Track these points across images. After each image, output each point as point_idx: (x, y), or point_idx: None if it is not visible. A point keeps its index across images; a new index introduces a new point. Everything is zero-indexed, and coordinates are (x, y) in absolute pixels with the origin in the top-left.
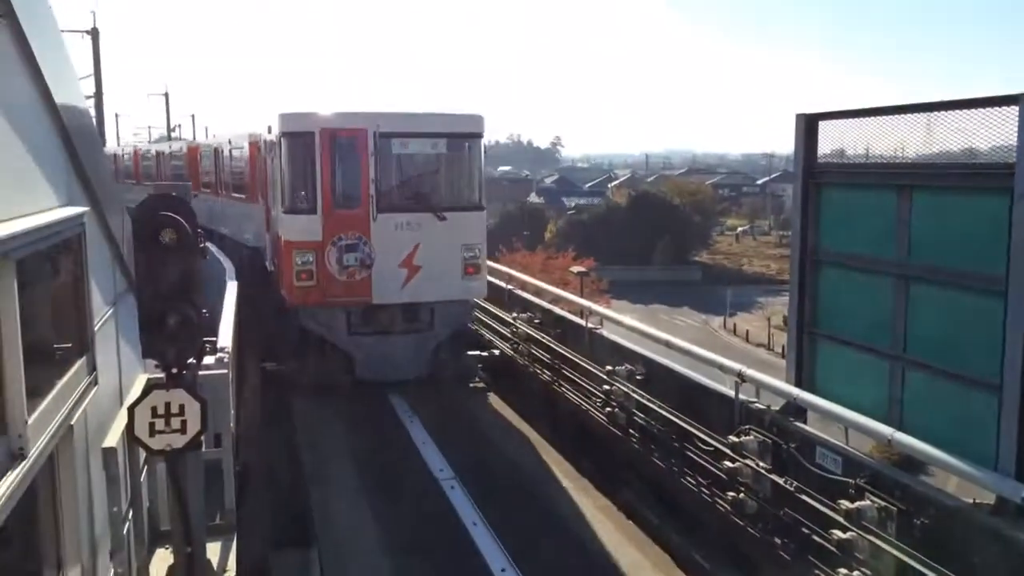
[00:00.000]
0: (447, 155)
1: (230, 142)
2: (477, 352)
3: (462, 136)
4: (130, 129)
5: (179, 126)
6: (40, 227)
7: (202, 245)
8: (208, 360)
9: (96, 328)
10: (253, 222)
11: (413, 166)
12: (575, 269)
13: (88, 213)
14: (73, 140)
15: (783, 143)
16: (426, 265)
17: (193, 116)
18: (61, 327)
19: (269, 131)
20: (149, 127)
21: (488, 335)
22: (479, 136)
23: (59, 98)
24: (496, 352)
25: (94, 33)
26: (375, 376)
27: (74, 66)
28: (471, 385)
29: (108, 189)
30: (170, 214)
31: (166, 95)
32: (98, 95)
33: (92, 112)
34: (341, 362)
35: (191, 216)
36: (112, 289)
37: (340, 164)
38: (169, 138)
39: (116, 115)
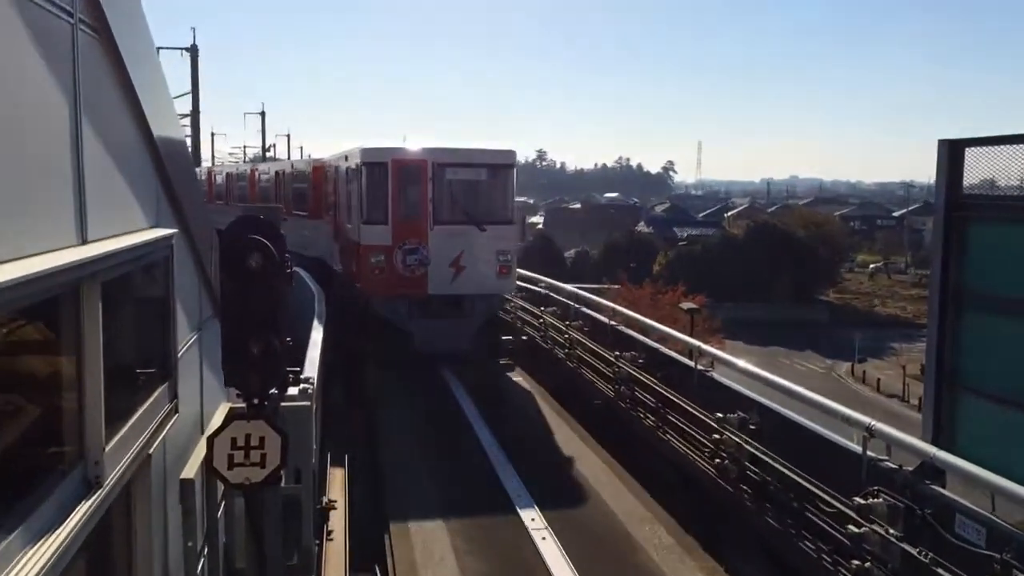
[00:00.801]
0: (487, 181)
1: (293, 166)
2: (509, 337)
3: (499, 166)
4: (227, 148)
5: (274, 145)
6: (127, 248)
7: (290, 271)
8: (291, 391)
9: (180, 354)
10: (314, 234)
11: (461, 189)
12: (685, 306)
13: (177, 235)
14: (164, 158)
15: (923, 171)
16: (469, 266)
17: (288, 136)
18: (144, 351)
19: (346, 159)
20: (244, 146)
21: (588, 374)
22: (512, 166)
23: (151, 116)
24: (524, 338)
25: (193, 50)
26: (429, 350)
27: (167, 83)
28: (501, 362)
29: (198, 211)
30: (258, 238)
31: (262, 114)
32: (195, 113)
33: (187, 130)
34: (403, 339)
35: (280, 240)
36: (198, 314)
37: (406, 187)
38: (264, 158)
39: (212, 133)
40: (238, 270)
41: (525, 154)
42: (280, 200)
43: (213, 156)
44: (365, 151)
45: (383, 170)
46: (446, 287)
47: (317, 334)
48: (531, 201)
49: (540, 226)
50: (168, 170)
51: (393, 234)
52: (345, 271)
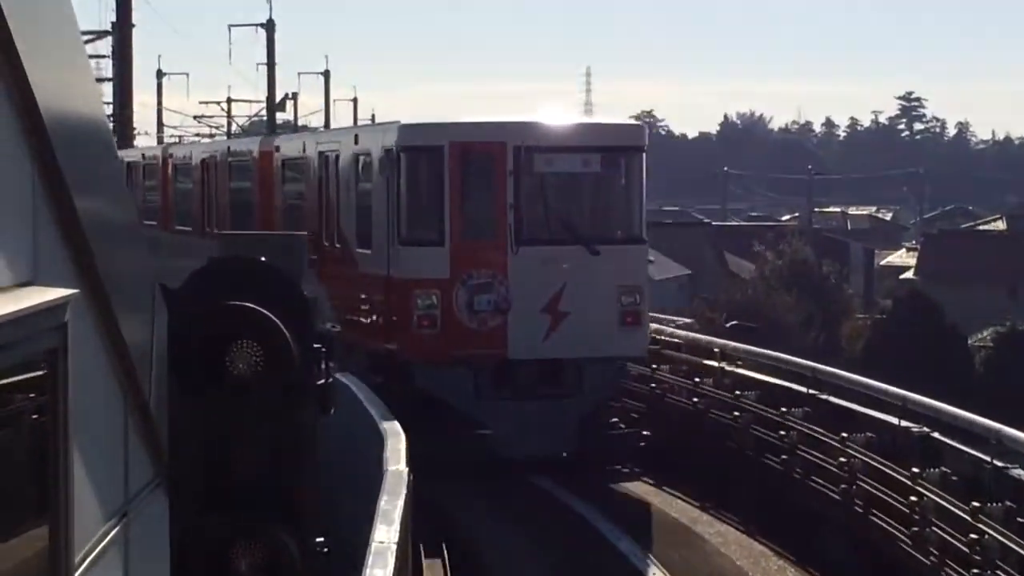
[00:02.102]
0: (601, 175)
1: (230, 150)
2: (632, 430)
3: (620, 150)
4: (190, 104)
5: (289, 96)
6: None
7: (324, 380)
8: None
9: (80, 570)
10: None
11: (560, 188)
12: None
13: (76, 300)
14: (53, 142)
15: None
16: (575, 311)
17: (355, 100)
18: (6, 559)
19: (356, 141)
20: (228, 100)
21: None
22: (640, 150)
23: (26, 57)
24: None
25: None
26: (510, 452)
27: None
28: (622, 470)
29: (125, 251)
30: (255, 309)
31: (268, 25)
32: (123, 29)
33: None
34: (466, 434)
35: (304, 315)
36: (121, 481)
37: (472, 186)
38: (272, 125)
39: (159, 73)
40: (210, 383)
41: (870, 105)
42: (212, 214)
43: (160, 123)
44: (404, 129)
45: (435, 158)
46: (537, 347)
47: (387, 526)
48: (885, 215)
49: (910, 273)
50: (62, 167)
51: (452, 261)
52: (356, 329)
